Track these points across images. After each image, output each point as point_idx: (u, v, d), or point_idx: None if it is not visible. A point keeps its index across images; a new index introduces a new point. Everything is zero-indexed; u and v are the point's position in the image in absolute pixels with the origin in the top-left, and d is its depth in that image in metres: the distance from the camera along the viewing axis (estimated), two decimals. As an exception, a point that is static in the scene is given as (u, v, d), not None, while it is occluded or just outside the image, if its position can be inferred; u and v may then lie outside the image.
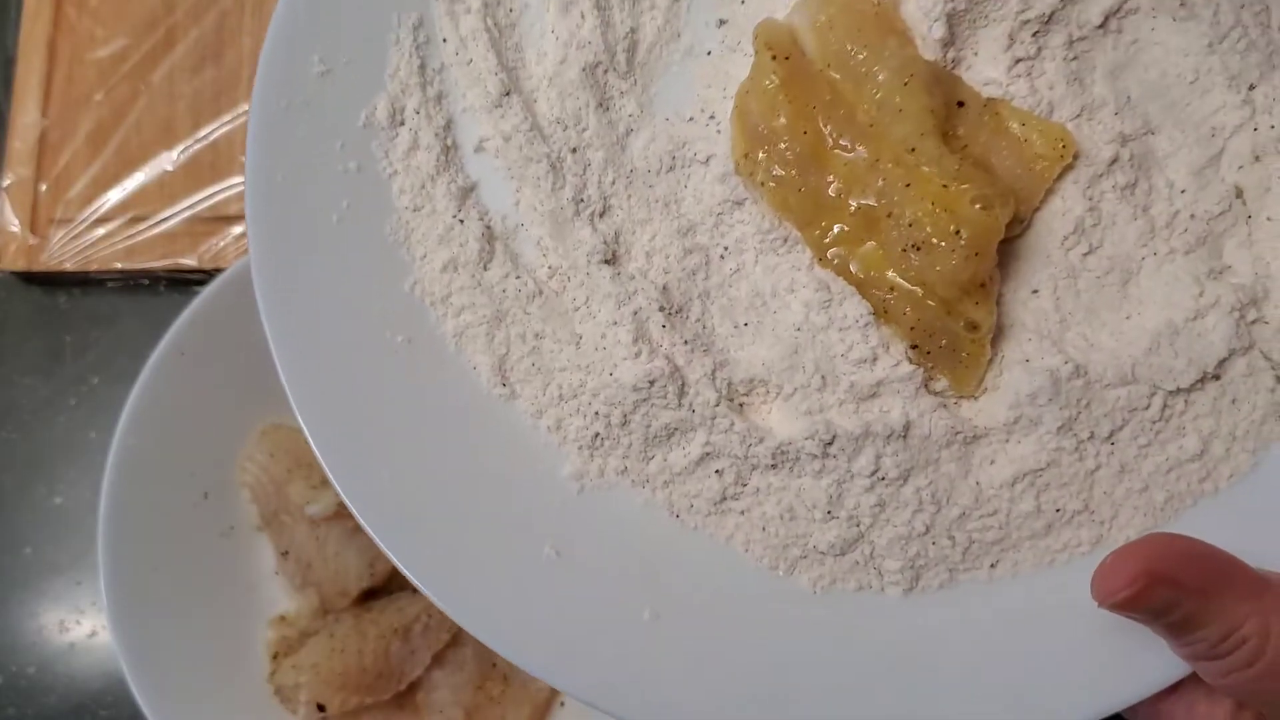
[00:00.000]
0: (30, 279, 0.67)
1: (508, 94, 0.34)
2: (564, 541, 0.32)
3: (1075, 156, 0.32)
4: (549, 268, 0.34)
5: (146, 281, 0.66)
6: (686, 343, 0.33)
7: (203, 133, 0.65)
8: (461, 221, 0.34)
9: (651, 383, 0.32)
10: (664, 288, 0.33)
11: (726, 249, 0.34)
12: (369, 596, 0.58)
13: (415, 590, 0.58)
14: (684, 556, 0.32)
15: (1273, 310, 0.32)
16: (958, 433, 0.32)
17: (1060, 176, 0.33)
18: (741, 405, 0.33)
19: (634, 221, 0.34)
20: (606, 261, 0.34)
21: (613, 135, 0.34)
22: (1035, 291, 0.33)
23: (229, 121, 0.65)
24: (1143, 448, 0.32)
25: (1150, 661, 0.30)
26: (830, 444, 0.32)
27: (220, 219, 0.64)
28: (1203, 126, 0.32)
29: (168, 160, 0.65)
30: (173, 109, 0.66)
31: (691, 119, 0.34)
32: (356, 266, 0.33)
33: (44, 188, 0.66)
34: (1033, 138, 0.32)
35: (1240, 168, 0.33)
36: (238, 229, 0.64)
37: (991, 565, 0.32)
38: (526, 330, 0.33)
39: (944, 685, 0.31)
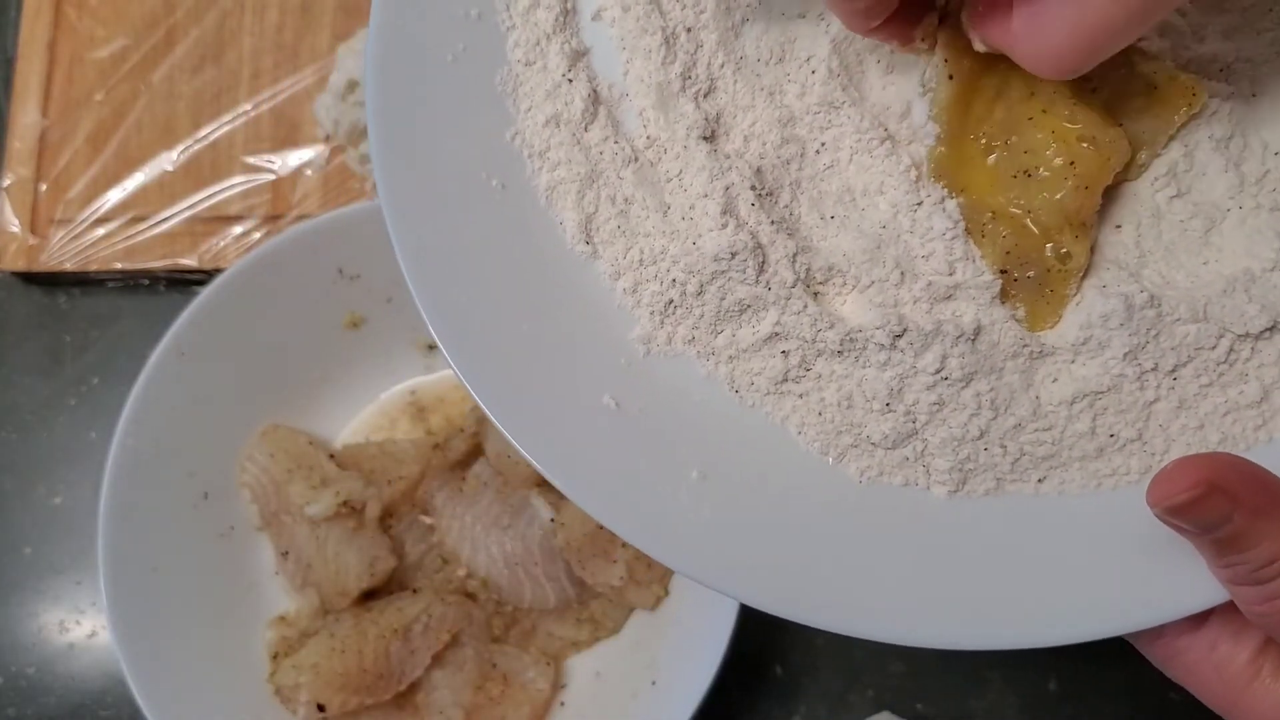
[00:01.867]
0: (30, 279, 0.67)
1: None
2: (624, 395, 0.33)
3: (1202, 109, 0.33)
4: (648, 137, 0.35)
5: (146, 282, 0.66)
6: (773, 223, 0.33)
7: (203, 133, 0.65)
8: (570, 81, 0.34)
9: (733, 255, 0.33)
10: (758, 170, 0.34)
11: (823, 145, 0.34)
12: (369, 597, 0.58)
13: (415, 590, 0.59)
14: (737, 429, 0.33)
15: None
16: (1025, 345, 0.32)
17: (1184, 125, 0.33)
18: (817, 293, 0.34)
19: (737, 105, 0.35)
20: (705, 138, 0.34)
21: (729, 21, 0.35)
22: (1119, 227, 0.33)
23: (229, 121, 0.65)
24: (1204, 387, 0.32)
25: (1184, 587, 0.31)
26: (900, 337, 0.32)
27: (220, 219, 0.64)
28: None
29: (168, 160, 0.65)
30: (173, 109, 0.66)
31: (802, 15, 0.35)
32: (463, 108, 0.34)
33: (44, 188, 0.66)
34: (1163, 84, 0.33)
35: None
36: (238, 229, 0.64)
37: (1039, 480, 0.33)
38: (617, 193, 0.34)
39: (976, 586, 0.32)
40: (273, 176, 0.64)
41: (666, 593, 0.56)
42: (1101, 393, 0.32)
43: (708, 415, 0.33)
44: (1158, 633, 0.32)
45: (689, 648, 0.53)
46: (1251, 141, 0.33)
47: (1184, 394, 0.32)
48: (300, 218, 0.63)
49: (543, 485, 0.58)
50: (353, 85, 0.61)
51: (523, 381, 0.33)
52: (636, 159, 0.35)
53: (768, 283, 0.33)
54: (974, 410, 0.32)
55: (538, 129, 0.34)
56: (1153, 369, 0.32)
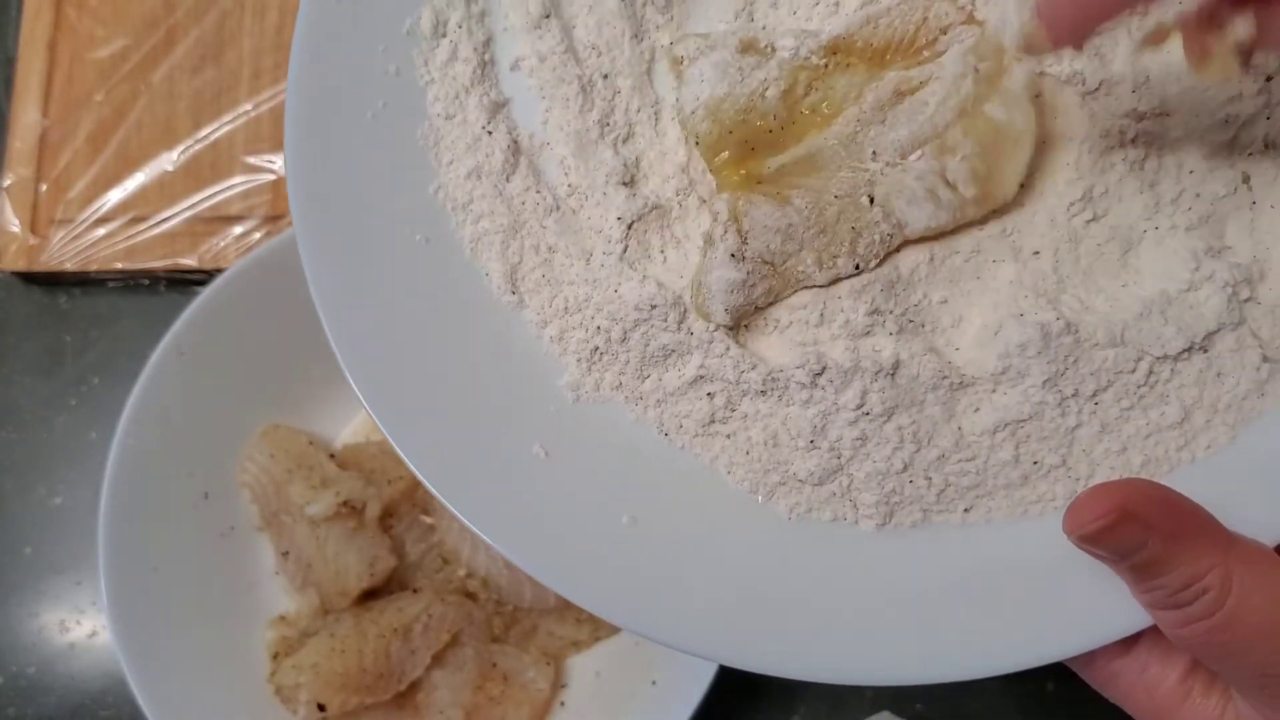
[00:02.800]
0: (30, 279, 0.67)
1: (548, 16, 0.35)
2: (553, 444, 0.33)
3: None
4: (569, 185, 0.35)
5: (147, 282, 0.66)
6: None
7: (203, 133, 0.65)
8: (490, 133, 0.35)
9: (654, 306, 0.33)
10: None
11: None
12: (369, 597, 0.58)
13: (416, 590, 0.59)
14: (667, 472, 0.34)
15: (1266, 292, 0.32)
16: (945, 377, 0.33)
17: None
18: (738, 337, 0.34)
19: (654, 149, 0.35)
20: (624, 184, 0.35)
21: (642, 65, 0.36)
22: (1036, 253, 0.33)
23: (229, 122, 0.65)
24: (1125, 410, 0.33)
25: (1110, 612, 0.31)
26: (820, 374, 0.33)
27: (220, 219, 0.64)
28: (1218, 113, 0.33)
29: (168, 160, 0.65)
30: (173, 109, 0.66)
31: None
32: (385, 164, 0.34)
33: (44, 188, 0.66)
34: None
35: (1250, 155, 0.33)
36: (238, 229, 0.64)
37: (965, 510, 0.33)
38: (540, 242, 0.35)
39: (908, 620, 0.32)
40: (273, 176, 0.64)
41: (666, 593, 0.56)
42: (1023, 421, 0.33)
43: (638, 459, 0.34)
44: (1090, 657, 0.32)
45: (688, 648, 0.53)
46: (1166, 161, 0.33)
47: (1106, 418, 0.33)
48: (300, 218, 0.63)
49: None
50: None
51: (452, 438, 0.33)
52: (558, 207, 0.35)
53: (689, 329, 0.33)
54: (897, 444, 0.33)
55: (460, 182, 0.35)
56: (1073, 395, 0.32)
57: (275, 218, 0.64)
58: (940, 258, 0.34)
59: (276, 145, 0.65)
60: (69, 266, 0.64)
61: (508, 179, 0.35)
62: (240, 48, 0.66)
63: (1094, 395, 0.33)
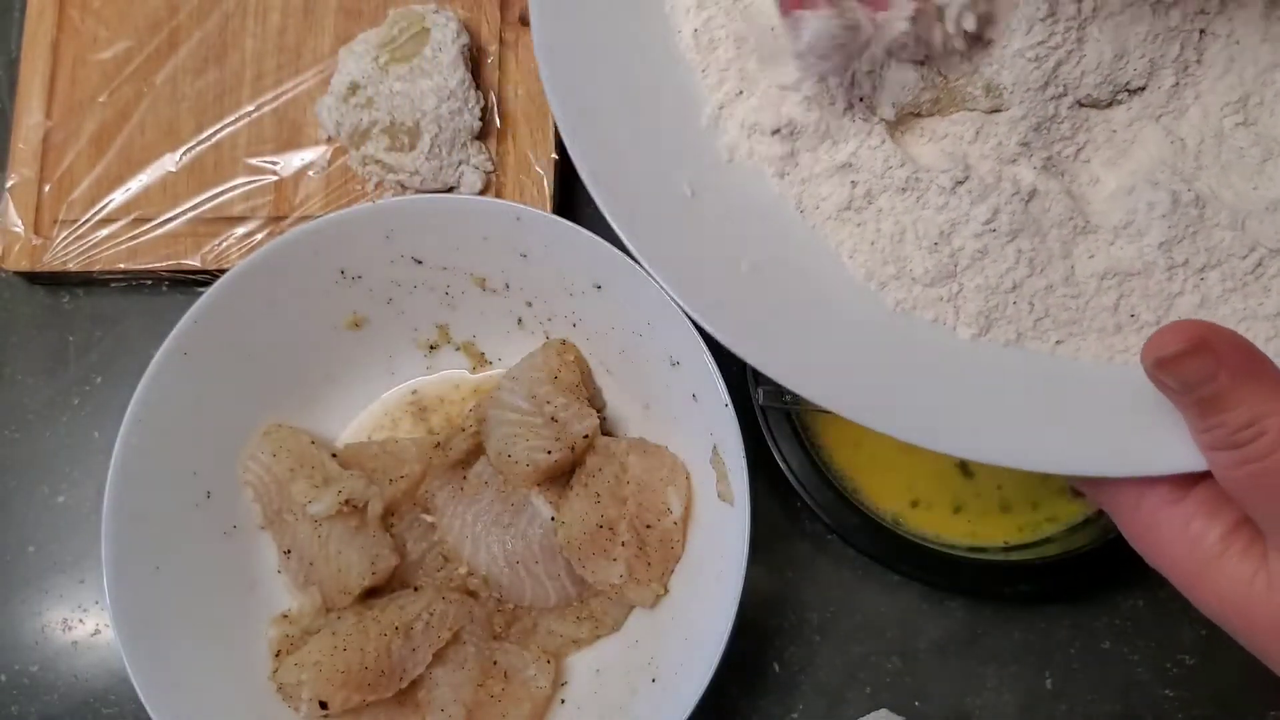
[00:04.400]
0: (34, 279, 0.67)
1: None
2: (700, 188, 0.36)
3: None
4: None
5: (150, 282, 0.66)
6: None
7: (206, 134, 0.66)
8: None
9: (820, 80, 0.36)
10: None
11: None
12: (371, 595, 0.59)
13: (417, 588, 0.59)
14: (793, 241, 0.36)
15: None
16: (1072, 218, 0.35)
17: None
18: (896, 133, 0.36)
19: None
20: None
21: None
22: (1184, 140, 0.35)
23: (232, 123, 0.66)
24: (1227, 290, 0.34)
25: (1170, 450, 0.33)
26: (962, 183, 0.35)
27: (223, 220, 0.64)
28: None
29: (171, 161, 0.66)
30: (176, 110, 0.66)
31: None
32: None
33: (48, 189, 0.66)
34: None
35: None
36: (241, 230, 0.64)
37: (1057, 341, 0.35)
38: (732, 15, 0.37)
39: (983, 411, 0.34)
40: (275, 178, 0.65)
41: (666, 591, 0.56)
42: (1132, 274, 0.35)
43: (770, 223, 0.36)
44: (1137, 501, 0.33)
45: (688, 645, 0.53)
46: None
47: (1207, 293, 0.35)
48: (303, 219, 0.64)
49: (543, 485, 0.59)
50: (354, 87, 0.62)
51: (620, 162, 0.36)
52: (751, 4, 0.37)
53: (852, 117, 0.36)
54: (1012, 264, 0.35)
55: None
56: (1184, 263, 0.34)
57: (278, 218, 0.64)
58: (1096, 122, 0.36)
59: (279, 146, 0.65)
60: (72, 267, 0.65)
61: None
62: (243, 49, 0.66)
63: (1202, 269, 0.34)
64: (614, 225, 0.35)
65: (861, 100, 0.36)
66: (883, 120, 0.35)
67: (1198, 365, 0.30)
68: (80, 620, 0.64)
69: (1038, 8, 0.34)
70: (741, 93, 0.36)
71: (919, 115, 0.36)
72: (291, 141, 0.65)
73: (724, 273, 0.35)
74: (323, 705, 0.54)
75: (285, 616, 0.59)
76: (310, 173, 0.65)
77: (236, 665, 0.57)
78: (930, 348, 0.35)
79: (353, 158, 0.64)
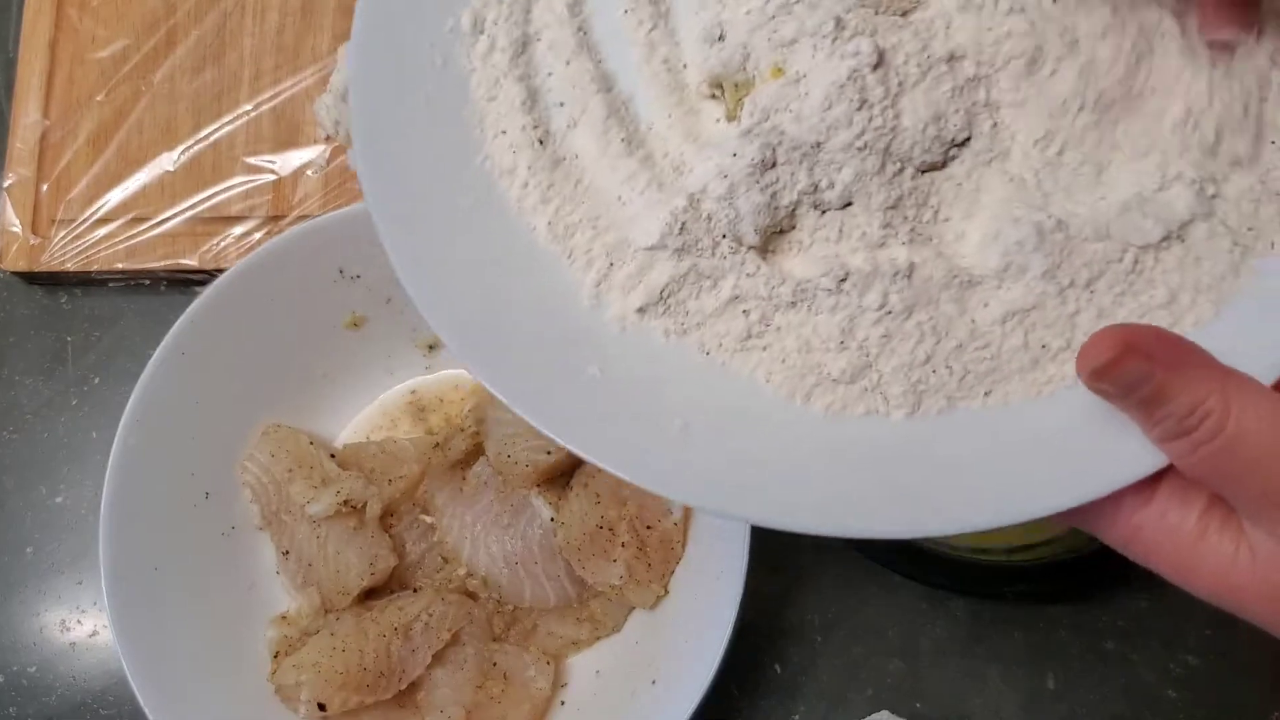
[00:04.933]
0: (32, 279, 0.67)
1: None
2: (607, 365, 0.37)
3: None
4: (596, 151, 0.40)
5: (148, 282, 0.66)
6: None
7: (204, 133, 0.65)
8: (530, 111, 0.40)
9: (683, 228, 0.37)
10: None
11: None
12: (370, 596, 0.59)
13: (416, 589, 0.59)
14: (711, 385, 0.37)
15: (1229, 189, 0.36)
16: (955, 276, 0.36)
17: None
18: (764, 257, 0.38)
19: (671, 129, 0.40)
20: (641, 157, 0.39)
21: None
22: (1021, 176, 0.37)
23: (230, 122, 0.65)
24: (1118, 295, 0.36)
25: (1128, 458, 0.34)
26: (844, 280, 0.36)
27: (221, 219, 0.64)
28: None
29: (169, 161, 0.65)
30: (174, 110, 0.66)
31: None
32: (440, 143, 0.39)
33: (45, 188, 0.66)
34: None
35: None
36: (238, 229, 0.64)
37: (985, 393, 0.36)
38: (575, 200, 0.39)
39: (941, 486, 0.35)
40: (273, 177, 0.65)
41: (666, 592, 0.56)
42: (1028, 310, 0.36)
43: (683, 375, 0.37)
44: (1114, 514, 0.34)
45: (688, 647, 0.53)
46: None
47: (1101, 304, 0.36)
48: (301, 218, 0.63)
49: (543, 485, 0.58)
50: (353, 86, 0.62)
51: (520, 362, 0.37)
52: (585, 173, 0.39)
53: (722, 253, 0.37)
54: (918, 338, 0.36)
55: (503, 151, 0.39)
56: (1070, 284, 0.36)
57: (276, 218, 0.64)
58: (940, 181, 0.38)
59: (277, 146, 0.65)
60: (70, 266, 0.65)
61: (543, 146, 0.39)
62: (241, 49, 0.66)
63: (1089, 284, 0.36)
64: (537, 427, 0.36)
65: (724, 236, 0.37)
66: (750, 247, 0.37)
67: (1131, 366, 0.31)
68: (78, 621, 0.64)
69: (850, 100, 0.36)
70: (612, 265, 0.38)
71: (781, 231, 0.38)
72: (290, 141, 0.65)
73: (660, 440, 0.36)
74: (321, 707, 0.54)
75: (284, 617, 0.59)
76: (309, 172, 0.64)
77: (235, 666, 0.57)
78: (873, 439, 0.36)
79: (351, 157, 0.63)
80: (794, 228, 0.38)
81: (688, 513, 0.56)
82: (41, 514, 0.65)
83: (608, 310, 0.38)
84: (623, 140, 0.39)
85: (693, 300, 0.37)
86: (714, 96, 0.39)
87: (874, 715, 0.57)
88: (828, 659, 0.60)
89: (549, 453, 0.56)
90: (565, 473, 0.58)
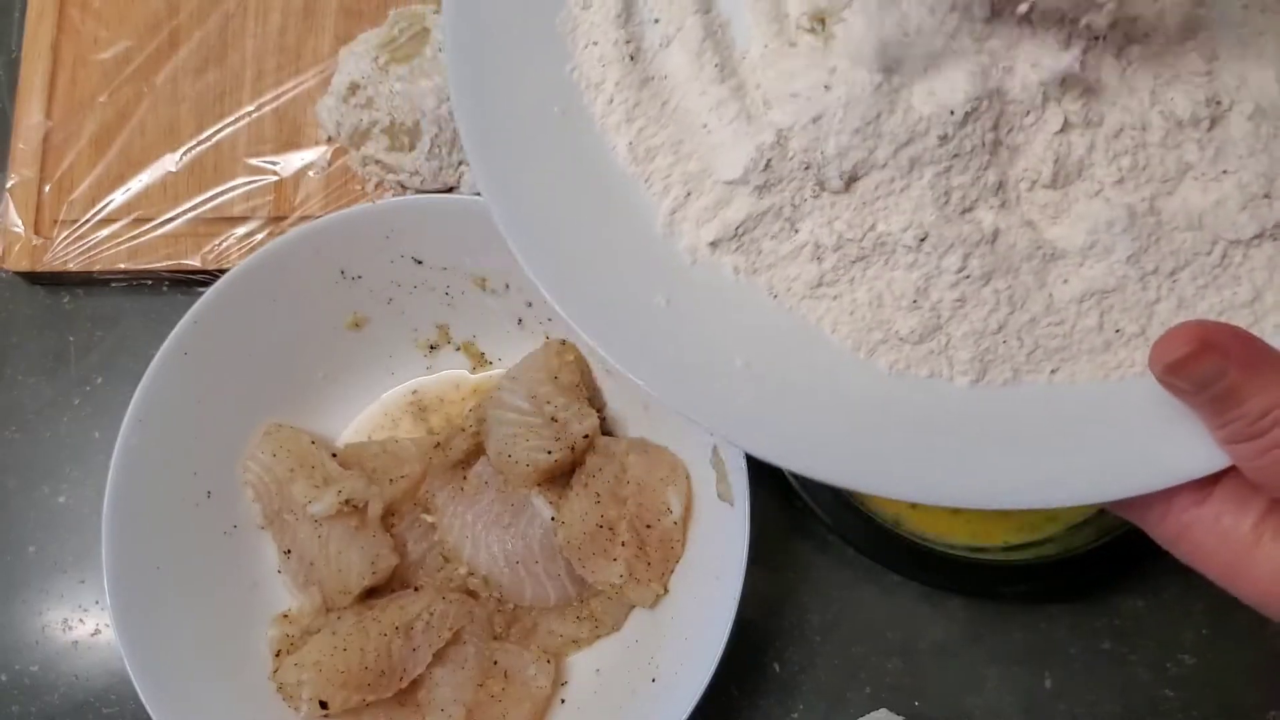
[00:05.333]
0: (34, 279, 0.67)
1: None
2: (674, 295, 0.36)
3: None
4: (688, 66, 0.38)
5: (150, 282, 0.66)
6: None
7: (206, 134, 0.66)
8: (624, 24, 0.39)
9: (768, 164, 0.36)
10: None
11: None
12: (371, 595, 0.59)
13: (417, 588, 0.59)
14: (777, 328, 0.36)
15: None
16: (1039, 248, 0.35)
17: None
18: (850, 202, 0.37)
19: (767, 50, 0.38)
20: (734, 86, 0.38)
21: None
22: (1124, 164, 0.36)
23: (232, 123, 0.66)
24: (1201, 288, 0.35)
25: (1188, 453, 0.33)
26: (925, 239, 0.35)
27: (224, 220, 0.64)
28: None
29: (171, 162, 0.66)
30: (176, 111, 0.66)
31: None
32: (531, 49, 0.38)
33: (48, 189, 0.66)
34: None
35: None
36: (241, 230, 0.64)
37: (1052, 370, 0.36)
38: (662, 123, 0.38)
39: (997, 459, 0.34)
40: (275, 178, 0.65)
41: (666, 591, 0.56)
42: (1108, 292, 0.35)
43: (749, 315, 0.36)
44: (1165, 509, 0.34)
45: (688, 645, 0.53)
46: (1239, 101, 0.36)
47: (1183, 294, 0.35)
48: (303, 219, 0.64)
49: (543, 485, 0.59)
50: (354, 87, 0.62)
51: (587, 284, 0.36)
52: (675, 90, 0.38)
53: (805, 196, 0.36)
54: (993, 306, 0.35)
55: (593, 63, 0.38)
56: (1154, 271, 0.35)
57: (278, 218, 0.64)
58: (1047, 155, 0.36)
59: (279, 146, 0.65)
60: (72, 267, 0.65)
61: (634, 60, 0.38)
62: (243, 50, 0.66)
63: (1173, 273, 0.35)
64: (599, 350, 0.35)
65: (810, 178, 0.36)
66: (834, 192, 0.36)
67: (1207, 364, 0.31)
68: (80, 620, 0.64)
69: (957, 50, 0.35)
70: (690, 194, 0.37)
71: (867, 179, 0.37)
72: (292, 142, 0.65)
73: (719, 375, 0.35)
74: (323, 705, 0.54)
75: (285, 616, 0.59)
76: (310, 173, 0.65)
77: (236, 665, 0.57)
78: (933, 403, 0.35)
79: (353, 158, 0.64)
80: (882, 178, 0.36)
81: (687, 512, 0.56)
82: (44, 513, 0.65)
83: (680, 240, 0.37)
84: (716, 65, 0.37)
85: (767, 240, 0.36)
86: (814, 30, 0.38)
87: (873, 714, 0.57)
88: (827, 658, 0.60)
89: (549, 452, 0.57)
90: (565, 472, 0.59)
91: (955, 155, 0.35)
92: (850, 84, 0.35)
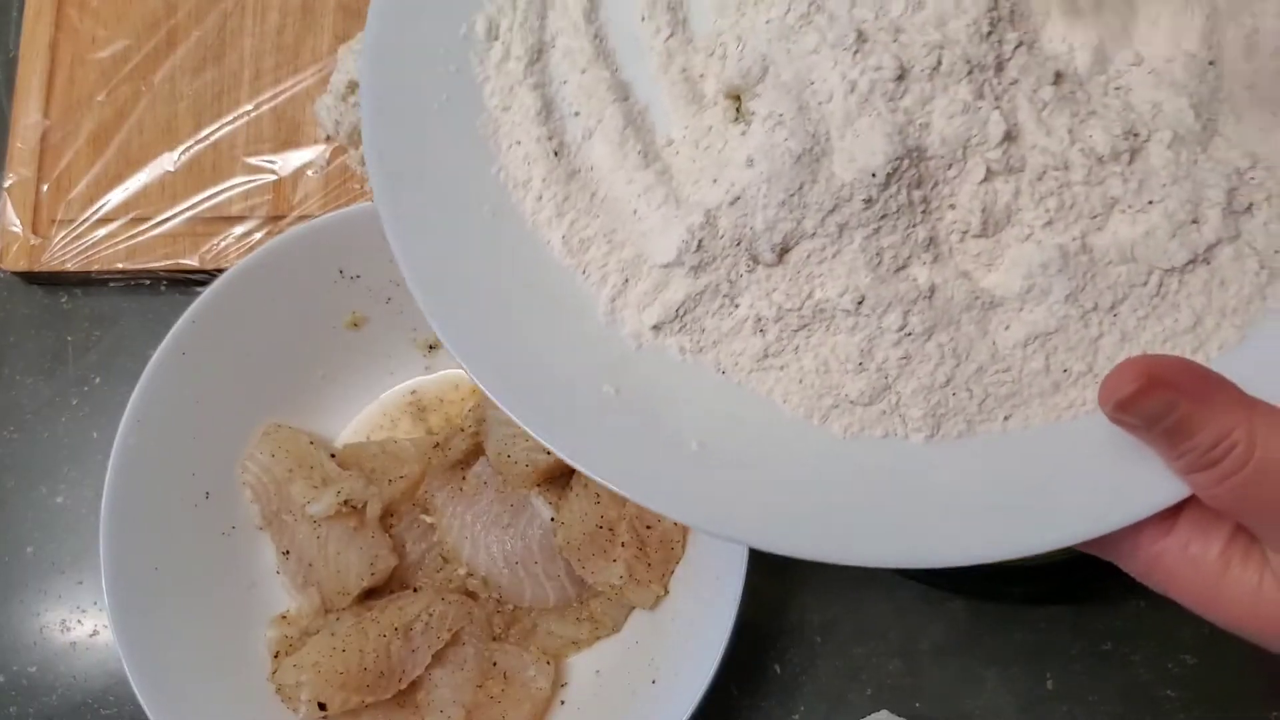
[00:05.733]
0: (32, 279, 0.67)
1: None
2: (622, 384, 0.36)
3: None
4: (612, 159, 0.39)
5: (148, 282, 0.66)
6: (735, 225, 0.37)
7: (204, 133, 0.65)
8: (545, 121, 0.39)
9: (700, 245, 0.36)
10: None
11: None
12: (370, 596, 0.59)
13: (416, 589, 0.59)
14: (727, 405, 0.36)
15: (1257, 211, 0.36)
16: (977, 298, 0.36)
17: None
18: (784, 274, 0.37)
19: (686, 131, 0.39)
20: (657, 170, 0.38)
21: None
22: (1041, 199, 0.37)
23: (230, 122, 0.65)
24: (1141, 319, 0.36)
25: (1148, 487, 0.33)
26: (862, 301, 0.35)
27: (221, 219, 0.64)
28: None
29: (169, 161, 0.65)
30: (174, 110, 0.66)
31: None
32: (453, 154, 0.39)
33: (46, 188, 0.66)
34: None
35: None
36: (239, 229, 0.64)
37: (1005, 418, 0.36)
38: (591, 211, 0.38)
39: (959, 513, 0.35)
40: (274, 177, 0.65)
41: (666, 592, 0.56)
42: (1050, 333, 0.36)
43: (700, 394, 0.36)
44: (1134, 543, 0.34)
45: (689, 647, 0.53)
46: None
47: (1125, 327, 0.36)
48: (301, 218, 0.63)
49: (543, 485, 0.58)
50: (353, 86, 0.62)
51: (534, 381, 0.36)
52: (601, 184, 0.38)
53: (739, 272, 0.36)
54: (938, 360, 0.36)
55: (518, 162, 0.38)
56: (1094, 308, 0.35)
57: (276, 218, 0.64)
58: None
59: (277, 146, 0.65)
60: (70, 266, 0.65)
61: (558, 157, 0.38)
62: (241, 49, 0.66)
63: (1112, 307, 0.35)
64: (555, 451, 0.35)
65: (742, 254, 0.36)
66: (768, 265, 0.36)
67: (1155, 399, 0.31)
68: (79, 621, 0.64)
69: (873, 113, 0.35)
70: (628, 281, 0.37)
71: (798, 250, 0.37)
72: (290, 141, 0.65)
73: (675, 462, 0.35)
74: (321, 706, 0.54)
75: (284, 617, 0.59)
76: (309, 172, 0.64)
77: (235, 666, 0.57)
78: (891, 464, 0.35)
79: (352, 157, 0.63)
80: (813, 247, 0.36)
81: (687, 513, 0.56)
82: (42, 514, 0.65)
83: (623, 327, 0.37)
84: (639, 152, 0.38)
85: (709, 318, 0.37)
86: (732, 109, 0.38)
87: (873, 715, 0.57)
88: (827, 659, 0.60)
89: (549, 453, 0.56)
90: (565, 473, 0.59)
91: (883, 216, 0.35)
92: (771, 158, 0.35)
